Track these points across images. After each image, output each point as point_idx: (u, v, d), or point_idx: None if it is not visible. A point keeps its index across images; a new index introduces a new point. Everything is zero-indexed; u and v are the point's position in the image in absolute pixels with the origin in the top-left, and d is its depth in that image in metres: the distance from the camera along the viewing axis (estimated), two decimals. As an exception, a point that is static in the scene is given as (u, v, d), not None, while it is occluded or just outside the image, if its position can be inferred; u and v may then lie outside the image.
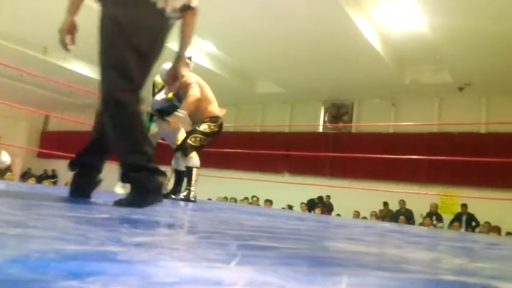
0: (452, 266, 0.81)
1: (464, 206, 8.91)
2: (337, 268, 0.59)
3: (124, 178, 1.68)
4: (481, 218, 8.55)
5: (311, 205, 10.15)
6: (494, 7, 6.14)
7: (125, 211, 1.36)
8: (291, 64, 9.00)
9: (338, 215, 10.04)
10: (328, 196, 10.36)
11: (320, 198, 10.44)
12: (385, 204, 9.81)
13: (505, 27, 6.50)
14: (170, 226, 1.13)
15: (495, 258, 1.23)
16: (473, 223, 8.68)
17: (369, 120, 10.83)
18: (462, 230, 8.33)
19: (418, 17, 6.88)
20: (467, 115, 9.37)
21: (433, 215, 8.88)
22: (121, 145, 1.69)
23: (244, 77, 10.78)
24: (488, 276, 0.69)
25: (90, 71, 10.79)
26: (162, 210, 1.66)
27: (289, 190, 10.31)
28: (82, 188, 1.83)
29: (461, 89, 9.08)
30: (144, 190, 1.63)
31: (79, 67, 10.84)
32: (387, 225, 3.70)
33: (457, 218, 8.91)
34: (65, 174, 12.55)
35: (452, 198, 9.17)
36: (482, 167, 8.63)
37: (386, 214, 9.58)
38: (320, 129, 11.76)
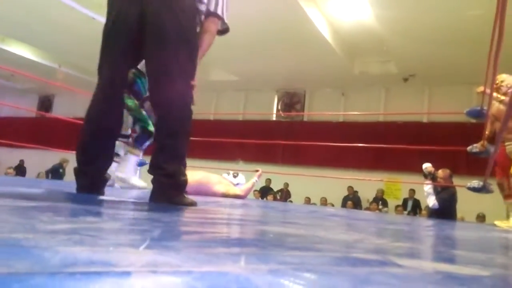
0: (369, 245, 0.86)
1: (412, 191, 9.40)
2: (248, 249, 0.61)
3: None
4: (424, 203, 9.08)
5: (264, 192, 10.30)
6: (437, 1, 6.45)
7: (62, 200, 1.31)
8: (245, 52, 8.99)
9: (290, 201, 10.27)
10: (287, 184, 10.58)
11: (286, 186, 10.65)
12: (350, 188, 10.11)
13: (447, 20, 6.85)
14: (101, 214, 1.11)
15: (419, 239, 1.31)
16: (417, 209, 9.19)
17: (320, 109, 11.10)
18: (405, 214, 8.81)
19: (366, 9, 7.08)
20: (411, 105, 9.85)
21: (379, 200, 9.31)
22: (179, 147, 1.74)
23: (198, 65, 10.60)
24: (396, 253, 0.74)
25: (31, 53, 10.16)
26: (104, 200, 1.61)
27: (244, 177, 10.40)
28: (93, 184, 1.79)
29: (405, 80, 9.52)
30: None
31: (20, 49, 10.18)
32: (332, 210, 3.84)
33: (404, 203, 9.41)
34: (5, 163, 11.85)
35: (395, 184, 9.65)
36: (423, 155, 9.13)
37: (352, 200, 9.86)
38: (274, 118, 11.90)
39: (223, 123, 11.79)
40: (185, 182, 1.85)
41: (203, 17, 1.87)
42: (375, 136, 9.74)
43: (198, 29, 1.88)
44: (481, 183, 4.62)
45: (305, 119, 11.57)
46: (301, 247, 0.72)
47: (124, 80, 1.90)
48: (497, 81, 4.32)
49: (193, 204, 1.82)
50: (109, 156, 1.90)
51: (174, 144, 1.75)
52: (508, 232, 2.86)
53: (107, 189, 1.88)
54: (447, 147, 6.69)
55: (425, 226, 2.27)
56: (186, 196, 1.87)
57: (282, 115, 11.57)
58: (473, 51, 7.41)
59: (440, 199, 4.99)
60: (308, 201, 9.93)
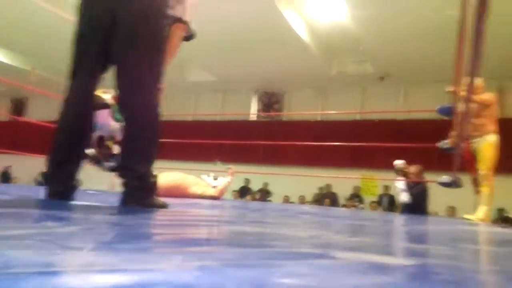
0: (320, 241, 0.90)
1: (386, 187, 9.61)
2: (195, 248, 0.64)
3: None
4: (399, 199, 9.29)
5: (243, 192, 10.35)
6: (412, 1, 6.61)
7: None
8: (223, 53, 9.01)
9: (270, 200, 10.34)
10: (266, 183, 10.64)
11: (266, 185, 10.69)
12: (320, 188, 10.26)
13: (422, 20, 7.01)
14: (62, 219, 1.12)
15: (375, 233, 1.37)
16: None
17: (299, 109, 11.21)
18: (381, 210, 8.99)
19: (343, 9, 7.20)
20: (387, 103, 10.05)
21: (356, 197, 9.48)
22: (148, 150, 1.75)
23: (175, 65, 10.56)
24: (341, 247, 0.78)
25: (3, 56, 9.92)
26: (73, 205, 1.61)
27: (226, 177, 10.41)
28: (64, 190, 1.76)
29: (381, 79, 9.71)
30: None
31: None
32: (306, 208, 3.90)
33: (380, 199, 9.61)
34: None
35: (372, 181, 9.84)
36: (399, 152, 9.34)
37: (318, 198, 10.03)
38: (253, 118, 11.95)
39: (201, 124, 11.77)
40: (154, 184, 1.87)
41: (170, 22, 1.90)
42: (352, 134, 9.91)
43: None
44: (451, 178, 4.77)
45: (284, 119, 11.66)
46: (253, 245, 0.75)
47: (96, 85, 1.91)
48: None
49: (163, 206, 1.83)
50: (80, 161, 1.90)
51: (143, 146, 1.77)
52: (474, 225, 2.97)
53: (80, 194, 1.89)
54: (421, 144, 6.86)
55: (390, 221, 2.35)
56: (156, 198, 1.88)
57: (262, 115, 11.64)
58: (447, 50, 7.59)
59: (412, 195, 5.12)
60: (287, 199, 10.02)
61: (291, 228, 1.30)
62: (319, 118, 11.10)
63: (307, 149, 10.25)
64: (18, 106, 13.90)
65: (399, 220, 2.61)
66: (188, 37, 2.05)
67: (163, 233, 0.84)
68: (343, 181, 9.29)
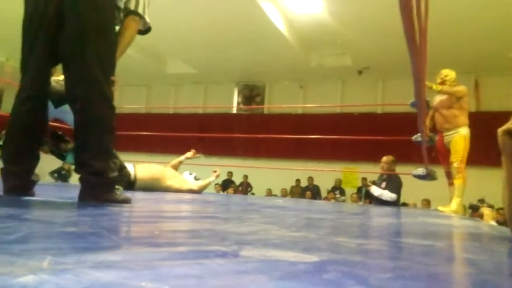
0: (252, 237, 0.90)
1: (364, 180, 9.72)
2: (97, 247, 0.63)
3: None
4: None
5: (225, 185, 10.34)
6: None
7: None
8: (202, 44, 8.93)
9: (252, 193, 10.36)
10: (246, 176, 10.64)
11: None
12: (297, 181, 10.34)
13: (397, 14, 7.04)
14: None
15: (323, 227, 1.37)
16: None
17: (279, 101, 11.22)
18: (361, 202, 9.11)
19: (319, 2, 7.19)
20: (365, 97, 10.13)
21: (337, 189, 9.57)
22: (103, 143, 1.71)
23: (155, 56, 10.44)
24: (259, 244, 0.78)
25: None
26: (25, 201, 1.58)
27: (203, 172, 10.37)
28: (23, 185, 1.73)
29: (360, 72, 9.78)
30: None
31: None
32: (279, 201, 3.92)
33: (358, 191, 9.72)
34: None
35: (353, 173, 9.94)
36: (378, 145, 9.47)
37: (297, 191, 10.11)
38: (234, 111, 11.91)
39: (182, 117, 11.68)
40: (115, 179, 1.84)
41: (122, 14, 1.86)
42: (333, 127, 9.96)
43: (118, 27, 1.87)
44: (426, 171, 4.84)
45: (265, 111, 11.66)
46: (169, 243, 0.74)
47: (47, 78, 1.86)
48: (441, 76, 4.56)
49: (125, 201, 1.80)
50: (36, 156, 1.86)
51: (98, 141, 1.73)
52: (442, 217, 3.01)
53: (40, 189, 1.85)
54: (398, 137, 6.94)
55: (355, 214, 2.37)
56: (117, 193, 1.86)
57: (243, 108, 11.61)
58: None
59: (393, 189, 5.09)
60: (269, 192, 10.05)
61: (238, 223, 1.30)
62: (300, 111, 11.13)
63: (288, 142, 10.29)
64: (-6, 99, 13.56)
65: (364, 213, 2.64)
66: (144, 31, 2.01)
67: (84, 231, 0.82)
68: (324, 173, 9.37)
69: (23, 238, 0.64)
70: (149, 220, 1.25)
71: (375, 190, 5.11)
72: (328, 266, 0.58)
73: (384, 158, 5.45)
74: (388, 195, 4.98)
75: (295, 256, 0.64)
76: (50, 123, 3.66)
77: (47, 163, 3.54)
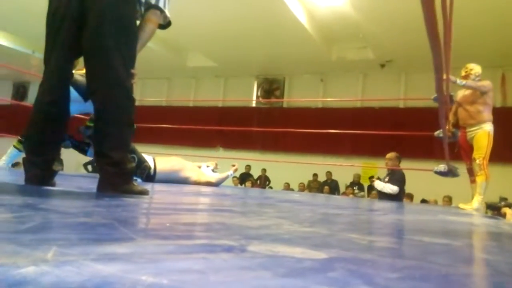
0: (263, 231, 0.89)
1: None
2: (104, 239, 0.63)
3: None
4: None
5: (243, 178, 10.37)
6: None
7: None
8: (223, 38, 8.93)
9: (271, 187, 10.37)
10: (264, 169, 10.64)
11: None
12: (315, 175, 10.28)
13: (421, 7, 6.87)
14: (13, 206, 1.12)
15: (337, 223, 1.35)
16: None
17: (299, 95, 11.13)
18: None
19: (341, -6, 7.08)
20: (388, 90, 9.95)
21: (355, 185, 9.47)
22: (123, 136, 1.74)
23: (176, 50, 10.51)
24: (268, 239, 0.77)
25: (4, 39, 9.91)
26: (46, 190, 1.62)
27: (223, 165, 10.44)
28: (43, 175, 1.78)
29: (382, 66, 9.59)
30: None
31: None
32: (296, 195, 3.90)
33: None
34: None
35: (373, 168, 9.80)
36: (400, 140, 9.30)
37: (314, 185, 10.06)
38: (253, 104, 11.90)
39: (202, 110, 11.75)
40: (132, 170, 1.86)
41: (143, 8, 1.88)
42: (353, 122, 9.84)
43: (139, 21, 1.89)
44: (448, 168, 4.74)
45: (285, 105, 11.60)
46: (177, 236, 0.74)
47: (70, 70, 1.90)
48: (466, 69, 4.44)
49: (142, 192, 1.83)
50: (57, 147, 1.91)
51: (118, 132, 1.76)
52: (462, 215, 2.94)
53: (65, 180, 1.90)
54: (421, 133, 6.80)
55: (370, 210, 2.33)
56: (134, 184, 1.88)
57: (262, 101, 11.58)
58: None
59: (394, 182, 5.18)
60: (287, 187, 10.03)
61: (251, 217, 1.29)
62: (320, 105, 11.03)
63: (307, 136, 10.23)
64: (20, 90, 13.95)
65: (382, 209, 2.60)
66: (164, 25, 2.02)
67: (92, 222, 0.83)
68: (343, 168, 9.28)
69: (34, 228, 0.66)
70: (163, 212, 1.26)
71: (378, 184, 5.32)
72: (336, 263, 0.56)
73: (388, 155, 5.55)
74: (389, 187, 5.13)
75: (303, 252, 0.63)
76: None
77: (82, 155, 3.66)
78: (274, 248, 0.64)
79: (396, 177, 5.23)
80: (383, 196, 5.16)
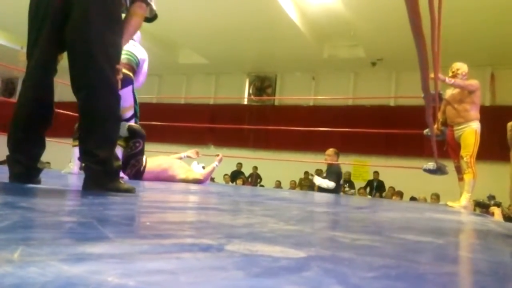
0: (244, 230, 0.88)
1: (376, 173, 9.67)
2: (82, 238, 0.62)
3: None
4: (388, 184, 9.35)
5: (234, 176, 10.36)
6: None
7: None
8: (214, 34, 8.90)
9: (261, 185, 10.37)
10: (255, 167, 10.64)
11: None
12: (306, 173, 10.30)
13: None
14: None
15: (322, 221, 1.35)
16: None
17: (291, 93, 11.14)
18: (369, 196, 9.05)
19: (332, -8, 7.09)
20: (378, 89, 10.00)
21: (346, 183, 9.51)
22: (109, 133, 1.72)
23: (167, 46, 10.44)
24: (249, 238, 0.76)
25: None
26: (28, 188, 1.59)
27: (212, 162, 10.40)
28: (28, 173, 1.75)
29: (373, 64, 9.63)
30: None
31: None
32: (285, 193, 3.90)
33: (369, 184, 9.66)
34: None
35: (363, 166, 9.86)
36: (390, 138, 9.37)
37: (305, 183, 10.08)
38: (245, 101, 11.88)
39: (193, 107, 11.70)
40: (118, 168, 1.84)
41: (128, 1, 1.85)
42: (344, 119, 9.88)
43: (124, 14, 1.86)
44: (436, 165, 4.77)
45: (276, 103, 11.60)
46: (156, 235, 0.73)
47: (53, 66, 1.86)
48: (452, 69, 4.47)
49: (129, 190, 1.81)
50: (42, 144, 1.88)
51: (103, 130, 1.73)
52: (454, 213, 2.96)
53: (47, 177, 1.87)
54: (411, 131, 6.85)
55: (359, 208, 2.34)
56: (121, 182, 1.86)
57: (253, 99, 11.57)
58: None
59: (331, 178, 5.54)
60: (278, 184, 10.04)
61: (236, 215, 1.28)
62: (311, 103, 11.05)
63: (298, 134, 10.24)
64: (9, 86, 13.77)
65: (370, 207, 2.61)
66: (151, 18, 1.99)
67: (68, 220, 0.82)
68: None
69: (8, 228, 0.64)
70: (147, 210, 1.25)
71: (317, 180, 5.69)
72: (312, 262, 0.56)
73: (327, 151, 5.84)
74: (326, 183, 5.49)
75: (282, 251, 0.62)
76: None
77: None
78: (252, 247, 0.63)
79: (333, 171, 5.60)
80: (321, 190, 5.54)
